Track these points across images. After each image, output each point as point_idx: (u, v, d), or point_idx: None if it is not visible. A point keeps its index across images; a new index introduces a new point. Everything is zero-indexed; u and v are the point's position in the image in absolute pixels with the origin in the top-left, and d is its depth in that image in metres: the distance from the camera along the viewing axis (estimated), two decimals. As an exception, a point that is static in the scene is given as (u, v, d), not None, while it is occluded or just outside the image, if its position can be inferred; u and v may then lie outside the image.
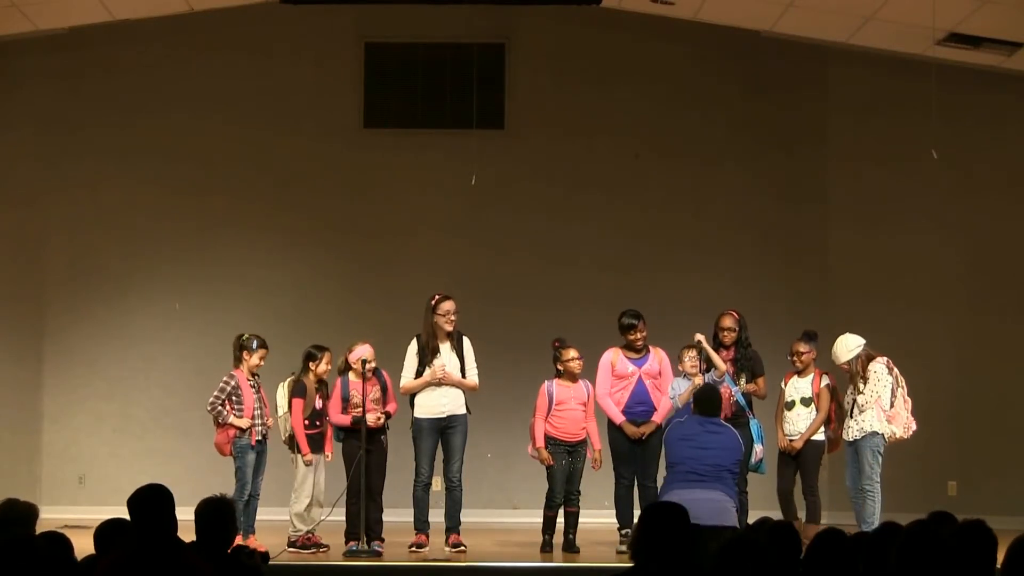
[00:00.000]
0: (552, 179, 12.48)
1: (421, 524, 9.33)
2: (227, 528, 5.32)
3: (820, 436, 9.46)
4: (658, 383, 9.52)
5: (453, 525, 9.34)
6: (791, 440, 9.44)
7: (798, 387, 9.50)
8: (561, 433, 9.43)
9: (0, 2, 11.31)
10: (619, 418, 9.44)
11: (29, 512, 5.65)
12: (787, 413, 9.52)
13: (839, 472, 10.10)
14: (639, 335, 9.51)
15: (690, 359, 9.44)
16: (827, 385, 9.46)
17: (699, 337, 9.41)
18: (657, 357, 9.58)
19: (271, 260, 12.44)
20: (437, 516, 9.42)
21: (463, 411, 9.39)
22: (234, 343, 9.43)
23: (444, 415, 9.32)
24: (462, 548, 9.25)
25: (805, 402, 9.45)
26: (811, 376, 9.50)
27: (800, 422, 9.44)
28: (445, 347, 9.37)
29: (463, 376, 9.38)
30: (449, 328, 9.33)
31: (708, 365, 9.50)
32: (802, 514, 9.53)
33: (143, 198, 12.42)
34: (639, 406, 9.48)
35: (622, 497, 9.52)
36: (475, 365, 9.45)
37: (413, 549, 9.22)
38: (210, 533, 5.19)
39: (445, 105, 12.49)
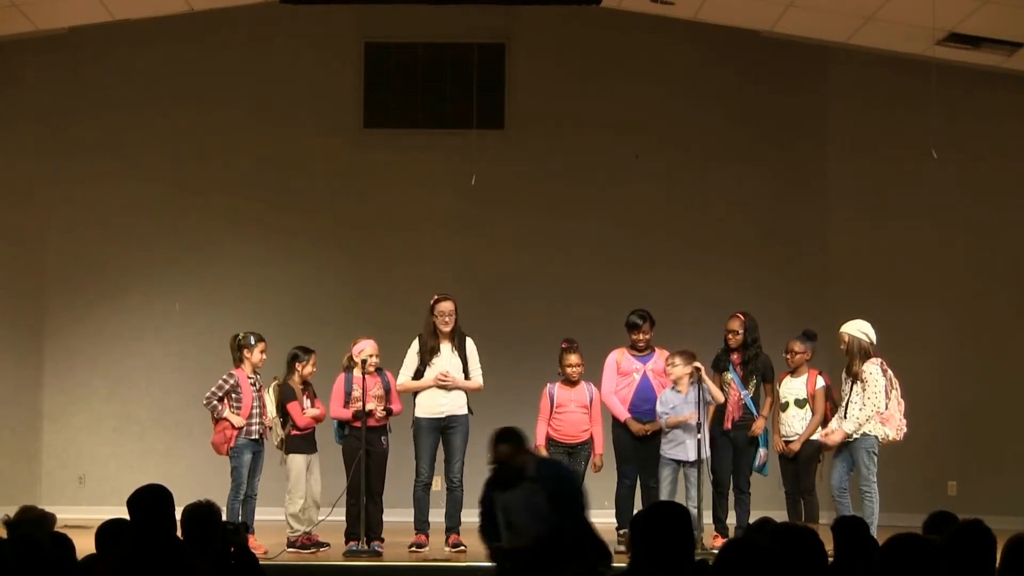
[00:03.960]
0: (552, 178, 12.49)
1: (421, 524, 9.35)
2: (211, 535, 5.32)
3: (815, 435, 9.41)
4: (664, 381, 9.51)
5: (453, 525, 9.36)
6: (788, 443, 9.41)
7: (792, 388, 9.45)
8: (561, 435, 9.46)
9: (0, 2, 11.31)
10: (624, 415, 9.46)
11: (43, 517, 5.65)
12: (782, 415, 9.47)
13: (824, 471, 10.10)
14: (642, 336, 9.53)
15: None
16: (823, 387, 9.42)
17: (697, 364, 9.37)
18: (663, 357, 9.59)
19: (271, 259, 12.45)
20: (438, 516, 9.43)
21: (463, 412, 9.41)
22: (231, 345, 9.43)
23: (443, 415, 9.35)
24: (462, 548, 9.26)
25: (799, 403, 9.40)
26: (805, 376, 9.45)
27: (795, 423, 9.40)
28: (446, 348, 9.40)
29: (467, 377, 9.39)
30: (446, 329, 9.36)
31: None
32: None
33: (143, 197, 12.42)
34: (645, 404, 9.49)
35: (624, 496, 9.53)
36: (479, 366, 9.48)
37: (413, 549, 9.23)
38: (193, 540, 5.18)
39: (445, 105, 12.49)
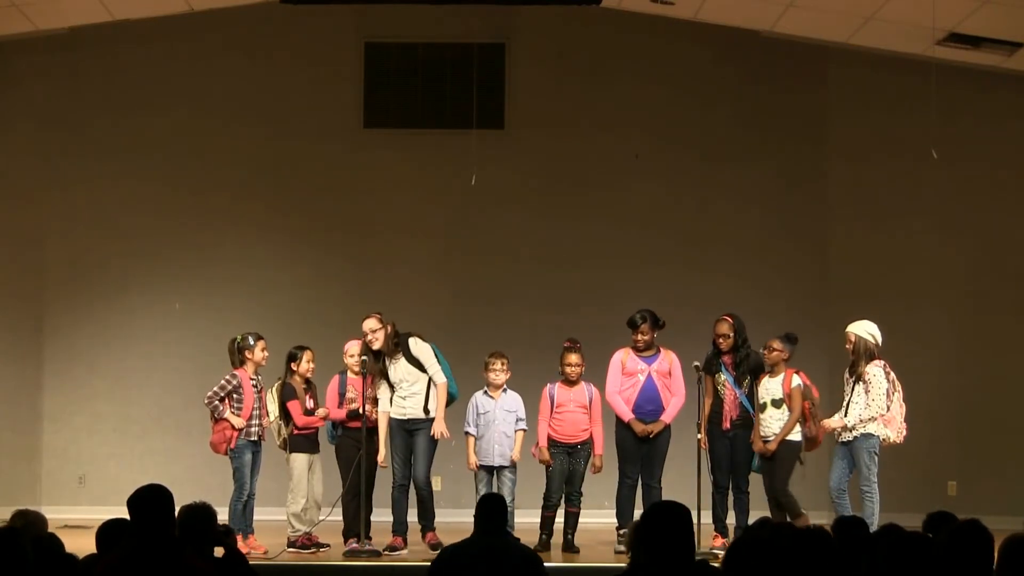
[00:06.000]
0: (552, 178, 12.49)
1: (398, 526, 9.32)
2: (208, 536, 5.34)
3: (796, 436, 9.34)
4: (668, 383, 9.52)
5: (428, 524, 9.30)
6: (766, 442, 9.38)
7: (769, 388, 9.40)
8: (560, 435, 9.45)
9: (0, 2, 11.31)
10: (627, 415, 9.45)
11: (38, 520, 5.68)
12: (761, 416, 9.44)
13: (823, 470, 10.08)
14: (640, 336, 9.52)
15: (494, 371, 9.44)
16: (798, 385, 9.35)
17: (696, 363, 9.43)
18: (667, 358, 9.58)
19: (271, 260, 12.45)
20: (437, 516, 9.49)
21: (422, 415, 9.30)
22: (230, 348, 9.41)
23: (406, 417, 9.30)
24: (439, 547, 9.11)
25: (776, 403, 9.34)
26: (781, 376, 9.42)
27: (774, 423, 9.35)
28: (389, 363, 9.27)
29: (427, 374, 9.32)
30: (375, 347, 9.23)
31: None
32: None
33: (143, 198, 12.42)
34: (648, 404, 9.48)
35: (625, 496, 9.52)
36: (435, 362, 9.33)
37: (386, 552, 9.15)
38: (190, 540, 5.18)
39: (445, 105, 12.49)
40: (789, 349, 9.42)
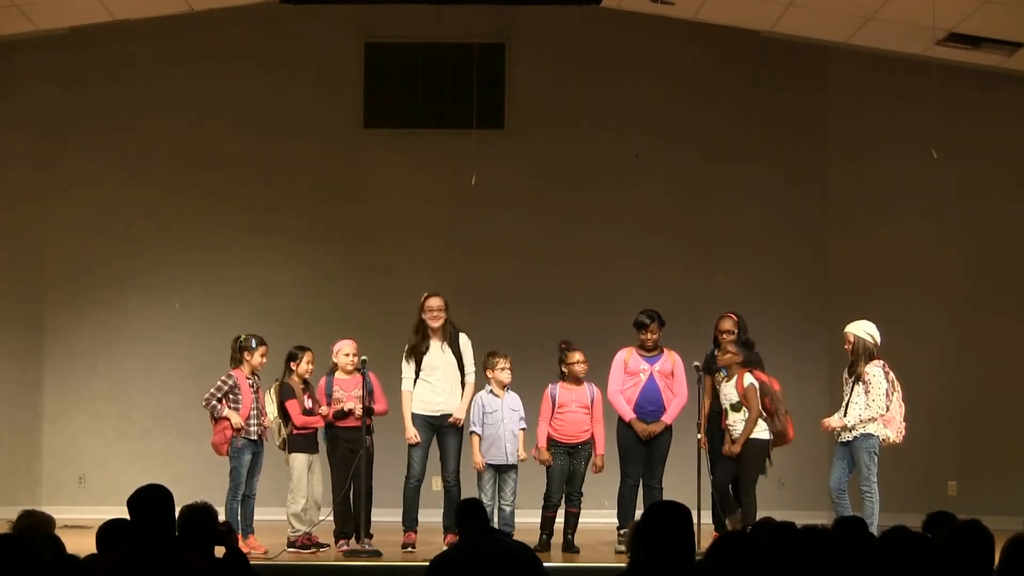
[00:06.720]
0: (552, 178, 12.49)
1: (410, 522, 9.35)
2: (208, 536, 5.35)
3: (763, 435, 9.29)
4: (670, 383, 9.52)
5: (451, 525, 9.34)
6: (732, 442, 9.35)
7: (727, 393, 9.36)
8: (561, 435, 9.44)
9: (0, 2, 11.32)
10: (629, 415, 9.45)
11: (46, 521, 5.68)
12: (727, 421, 9.39)
13: (822, 470, 10.06)
14: (649, 336, 9.52)
15: (504, 370, 9.48)
16: (751, 384, 9.27)
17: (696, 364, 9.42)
18: (671, 358, 9.58)
19: (271, 260, 12.44)
20: (435, 516, 9.47)
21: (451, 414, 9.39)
22: (232, 345, 9.44)
23: (438, 413, 9.34)
24: None
25: (735, 407, 9.30)
26: (735, 379, 9.34)
27: (739, 427, 9.31)
28: (435, 345, 9.38)
29: (461, 373, 9.42)
30: (435, 324, 9.34)
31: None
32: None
33: (143, 198, 12.42)
34: (649, 405, 9.48)
35: (626, 496, 9.51)
36: (473, 363, 9.47)
37: (409, 550, 9.20)
38: (190, 541, 5.18)
39: (445, 105, 12.49)
40: (743, 354, 9.41)
